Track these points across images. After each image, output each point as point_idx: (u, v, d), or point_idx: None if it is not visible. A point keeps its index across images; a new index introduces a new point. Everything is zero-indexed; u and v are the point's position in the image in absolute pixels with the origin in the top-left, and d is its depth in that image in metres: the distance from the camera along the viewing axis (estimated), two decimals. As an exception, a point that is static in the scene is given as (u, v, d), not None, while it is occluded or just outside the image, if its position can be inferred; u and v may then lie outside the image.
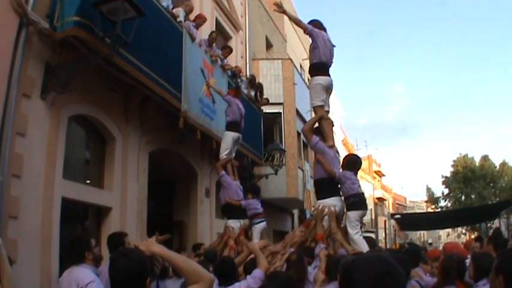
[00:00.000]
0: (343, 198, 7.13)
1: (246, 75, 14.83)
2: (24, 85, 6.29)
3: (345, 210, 7.04)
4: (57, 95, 6.85)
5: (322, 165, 7.15)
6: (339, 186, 7.12)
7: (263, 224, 9.57)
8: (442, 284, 4.83)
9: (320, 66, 7.57)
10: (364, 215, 7.18)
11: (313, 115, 7.78)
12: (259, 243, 5.79)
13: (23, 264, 5.88)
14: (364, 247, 6.50)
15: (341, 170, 7.11)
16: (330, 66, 7.69)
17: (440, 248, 15.73)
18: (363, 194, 7.14)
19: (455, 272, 4.47)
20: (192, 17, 11.03)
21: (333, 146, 7.42)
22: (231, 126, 9.96)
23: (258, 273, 4.60)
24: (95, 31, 6.65)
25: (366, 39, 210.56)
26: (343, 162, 7.34)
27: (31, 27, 6.42)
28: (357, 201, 6.92)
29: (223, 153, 9.77)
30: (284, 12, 8.04)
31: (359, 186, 7.06)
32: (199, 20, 11.03)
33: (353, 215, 6.82)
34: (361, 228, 7.04)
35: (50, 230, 6.53)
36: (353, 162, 7.29)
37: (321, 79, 7.49)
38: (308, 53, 8.25)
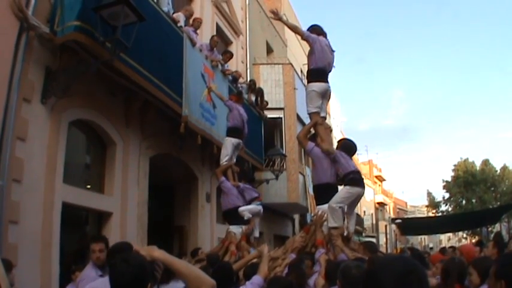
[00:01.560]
0: (340, 177, 7.10)
1: (246, 80, 14.85)
2: (25, 89, 6.30)
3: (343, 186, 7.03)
4: (57, 100, 6.86)
5: (321, 147, 7.17)
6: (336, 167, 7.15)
7: (261, 207, 9.75)
8: (442, 287, 4.82)
9: (316, 73, 7.57)
10: (361, 195, 7.13)
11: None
12: (257, 252, 5.77)
13: (24, 268, 5.87)
14: (341, 219, 6.67)
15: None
16: (328, 72, 7.68)
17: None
18: (360, 172, 7.17)
19: (456, 275, 4.45)
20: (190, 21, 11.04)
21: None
22: (231, 132, 9.96)
23: (257, 279, 4.59)
24: (95, 36, 6.66)
25: (365, 42, 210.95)
26: (338, 144, 7.37)
27: (31, 32, 6.44)
28: (356, 178, 6.93)
29: (224, 159, 9.77)
30: (280, 19, 8.04)
31: (354, 165, 7.13)
32: (196, 23, 10.99)
33: (350, 190, 6.82)
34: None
35: (51, 234, 6.52)
36: (348, 147, 7.34)
37: (315, 85, 7.50)
38: (308, 58, 8.25)
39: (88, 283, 4.74)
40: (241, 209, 9.25)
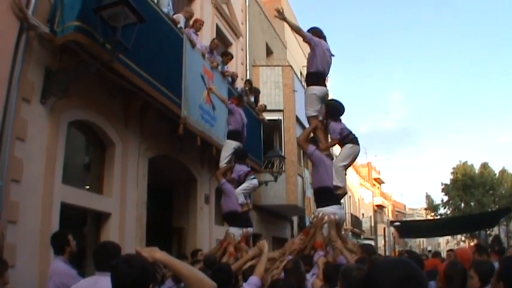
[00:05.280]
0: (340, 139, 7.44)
1: (245, 79, 14.82)
2: (24, 90, 6.29)
3: (341, 146, 7.45)
4: (57, 100, 6.85)
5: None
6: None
7: (256, 181, 9.88)
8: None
9: (316, 76, 7.59)
10: (358, 153, 7.53)
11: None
12: (257, 248, 5.76)
13: (22, 269, 5.87)
14: (343, 180, 7.22)
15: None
16: (326, 75, 7.73)
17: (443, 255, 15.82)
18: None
19: (459, 280, 4.43)
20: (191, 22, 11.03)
21: (329, 154, 7.50)
22: (232, 135, 9.96)
23: (254, 280, 4.59)
24: (95, 36, 6.65)
25: (364, 44, 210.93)
26: (325, 111, 7.54)
27: (31, 32, 6.42)
28: (355, 137, 7.34)
29: (223, 161, 9.78)
30: (284, 19, 8.03)
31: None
32: (197, 25, 10.98)
33: (353, 148, 7.26)
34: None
35: (49, 235, 6.43)
36: (335, 109, 7.58)
37: (316, 89, 7.53)
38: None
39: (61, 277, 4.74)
40: (237, 191, 9.26)
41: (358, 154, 7.53)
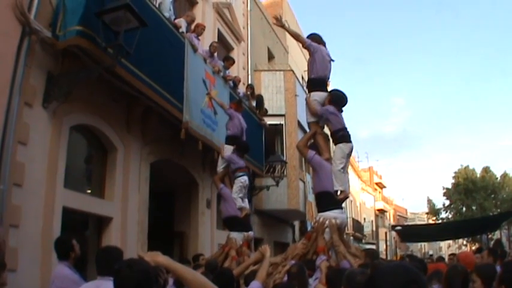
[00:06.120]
0: (330, 133, 7.45)
1: (247, 84, 14.83)
2: (26, 94, 6.29)
3: (334, 144, 7.36)
4: (59, 104, 6.86)
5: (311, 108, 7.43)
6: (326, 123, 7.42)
7: (245, 178, 9.66)
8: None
9: (317, 82, 7.59)
10: (352, 149, 7.41)
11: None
12: (259, 253, 5.76)
13: (24, 273, 5.86)
14: (346, 183, 7.16)
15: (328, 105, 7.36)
16: (327, 81, 7.73)
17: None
18: (347, 128, 7.40)
19: (460, 283, 4.43)
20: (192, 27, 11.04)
21: (329, 159, 7.43)
22: (230, 140, 9.96)
23: (255, 284, 4.57)
24: (97, 41, 6.65)
25: (365, 48, 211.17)
26: (328, 97, 7.44)
27: (34, 36, 6.43)
28: (345, 135, 7.25)
29: (221, 167, 9.79)
30: (283, 26, 8.05)
31: (343, 120, 7.34)
32: (199, 29, 11.01)
33: (343, 147, 7.16)
34: (345, 167, 7.19)
35: (51, 239, 6.45)
36: (339, 98, 7.46)
37: (316, 95, 7.52)
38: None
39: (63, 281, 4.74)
40: (233, 196, 9.25)
41: (351, 151, 7.43)
